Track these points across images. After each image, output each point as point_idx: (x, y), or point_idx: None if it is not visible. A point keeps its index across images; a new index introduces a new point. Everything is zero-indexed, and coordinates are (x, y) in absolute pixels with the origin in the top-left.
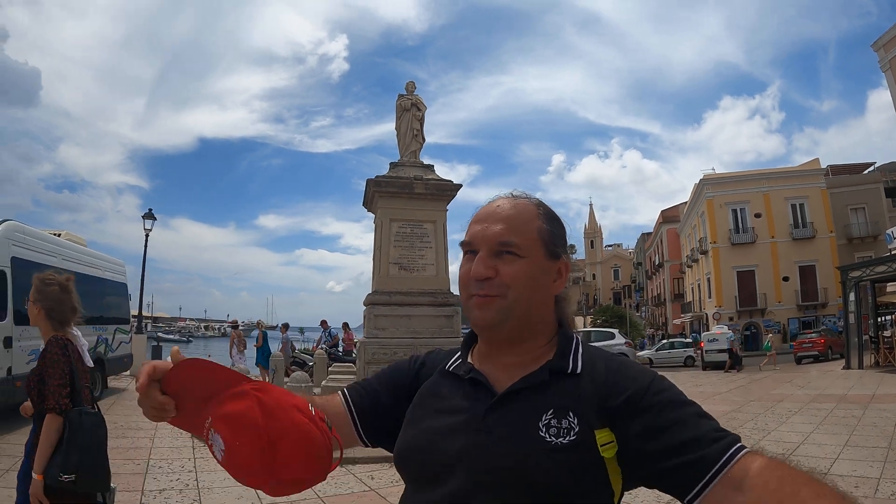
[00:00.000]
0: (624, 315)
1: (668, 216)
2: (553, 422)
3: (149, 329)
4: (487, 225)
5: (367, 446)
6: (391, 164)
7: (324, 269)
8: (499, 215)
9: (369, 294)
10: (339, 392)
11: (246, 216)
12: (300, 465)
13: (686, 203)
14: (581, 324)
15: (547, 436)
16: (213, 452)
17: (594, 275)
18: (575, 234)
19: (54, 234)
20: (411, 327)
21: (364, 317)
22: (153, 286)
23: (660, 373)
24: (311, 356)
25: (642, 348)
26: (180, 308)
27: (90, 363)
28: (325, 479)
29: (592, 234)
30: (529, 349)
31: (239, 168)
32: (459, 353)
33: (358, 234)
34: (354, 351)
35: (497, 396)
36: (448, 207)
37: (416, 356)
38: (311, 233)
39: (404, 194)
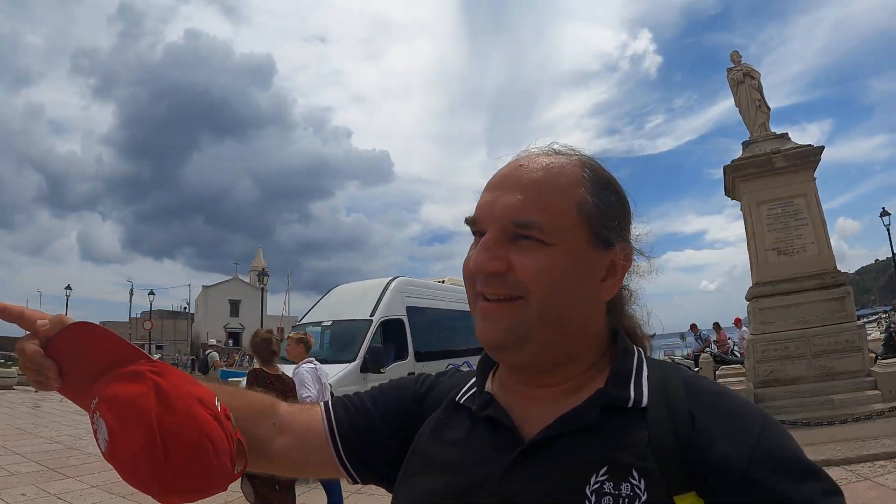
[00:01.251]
0: None
1: None
2: (608, 486)
3: None
4: (500, 194)
5: (353, 482)
6: (743, 143)
7: (693, 270)
8: (518, 180)
9: (751, 287)
10: (322, 404)
11: None
12: (195, 471)
13: None
14: None
15: None
16: (96, 438)
17: None
18: None
19: (439, 282)
20: (799, 317)
21: (748, 312)
22: None
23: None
24: (695, 362)
25: None
26: None
27: (308, 392)
28: (225, 490)
29: None
30: (569, 374)
31: None
32: (475, 378)
33: (722, 226)
34: (734, 350)
35: (523, 446)
36: (815, 175)
37: (425, 376)
38: (673, 235)
39: (765, 173)
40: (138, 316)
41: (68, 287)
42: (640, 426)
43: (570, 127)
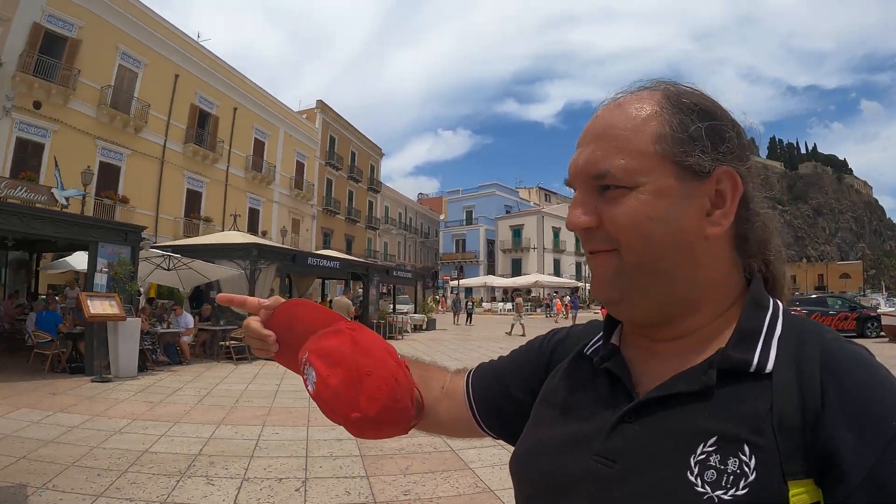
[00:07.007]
0: None
1: None
2: (713, 458)
3: None
4: (581, 150)
5: (495, 437)
6: None
7: None
8: (593, 130)
9: None
10: (467, 374)
11: None
12: (383, 403)
13: None
14: None
15: (698, 483)
16: (306, 386)
17: None
18: None
19: None
20: None
21: None
22: None
23: None
24: None
25: None
26: None
27: None
28: (405, 433)
29: None
30: (691, 326)
31: None
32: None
33: None
34: None
35: (633, 403)
36: None
37: (557, 331)
38: None
39: None
40: None
41: None
42: (761, 395)
43: None
